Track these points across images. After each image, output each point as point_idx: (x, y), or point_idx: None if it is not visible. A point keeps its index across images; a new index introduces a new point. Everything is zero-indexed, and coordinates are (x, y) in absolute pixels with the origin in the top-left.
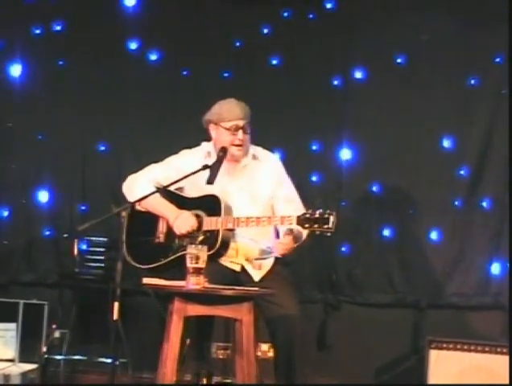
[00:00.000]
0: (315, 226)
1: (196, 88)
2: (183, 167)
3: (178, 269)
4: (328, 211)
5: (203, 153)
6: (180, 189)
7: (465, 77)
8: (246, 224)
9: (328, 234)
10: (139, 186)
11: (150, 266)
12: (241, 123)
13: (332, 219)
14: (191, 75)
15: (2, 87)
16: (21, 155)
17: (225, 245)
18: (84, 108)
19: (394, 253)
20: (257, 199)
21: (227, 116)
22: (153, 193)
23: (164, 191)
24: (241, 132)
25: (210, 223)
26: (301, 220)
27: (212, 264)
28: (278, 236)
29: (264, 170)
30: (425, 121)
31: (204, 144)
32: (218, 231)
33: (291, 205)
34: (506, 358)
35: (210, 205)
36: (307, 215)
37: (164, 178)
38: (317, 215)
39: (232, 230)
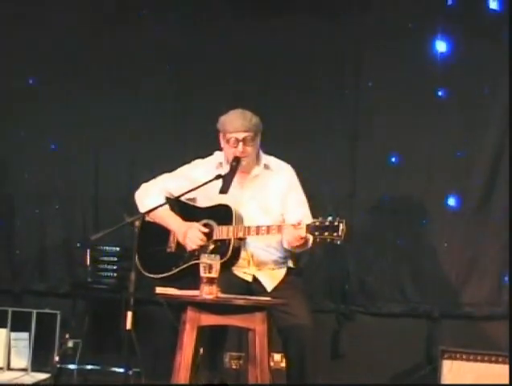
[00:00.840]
0: (325, 234)
1: (207, 97)
2: (195, 177)
3: (191, 278)
4: (337, 219)
5: (215, 163)
6: (193, 200)
7: (478, 86)
8: (257, 233)
9: (338, 242)
10: (150, 196)
11: (162, 276)
12: (240, 136)
13: (341, 227)
14: (201, 83)
15: (15, 96)
16: (33, 165)
17: (237, 254)
18: (96, 118)
19: (407, 263)
20: (268, 209)
21: (228, 128)
22: (162, 205)
23: (175, 202)
24: (241, 144)
25: (221, 232)
26: (311, 228)
27: (225, 274)
28: None
29: (276, 180)
30: (437, 131)
31: (217, 153)
32: (230, 240)
33: (301, 209)
34: None
35: (221, 214)
36: (317, 223)
37: (176, 188)
38: (327, 223)
39: (243, 239)
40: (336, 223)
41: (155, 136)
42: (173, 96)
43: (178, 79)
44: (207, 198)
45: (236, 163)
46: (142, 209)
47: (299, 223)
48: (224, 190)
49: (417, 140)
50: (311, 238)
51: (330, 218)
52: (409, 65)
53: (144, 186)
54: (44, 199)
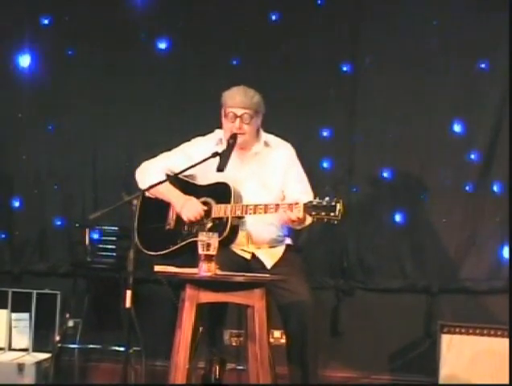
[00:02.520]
0: (322, 214)
1: (206, 75)
2: (195, 154)
3: (190, 256)
4: (335, 199)
5: (215, 140)
6: (192, 177)
7: (476, 61)
8: (254, 211)
9: (335, 222)
10: (150, 173)
11: (160, 253)
12: (239, 112)
13: (338, 207)
14: (201, 62)
15: (11, 78)
16: (32, 146)
17: (235, 232)
18: (94, 97)
19: (406, 238)
20: (268, 186)
21: (228, 102)
22: (162, 182)
23: (175, 179)
24: (238, 120)
25: (219, 210)
26: (308, 208)
27: (224, 252)
28: None
29: (276, 157)
30: (436, 106)
31: (217, 131)
32: (227, 218)
33: (300, 185)
34: None
35: (220, 192)
36: (314, 203)
37: (176, 166)
38: (324, 203)
39: (241, 217)
40: (333, 204)
41: (154, 115)
42: (172, 74)
43: (176, 55)
44: (208, 175)
45: (233, 140)
46: (143, 186)
47: (296, 204)
48: (221, 167)
49: (415, 115)
50: (308, 217)
51: (327, 198)
52: (407, 38)
53: (145, 164)
54: (43, 179)
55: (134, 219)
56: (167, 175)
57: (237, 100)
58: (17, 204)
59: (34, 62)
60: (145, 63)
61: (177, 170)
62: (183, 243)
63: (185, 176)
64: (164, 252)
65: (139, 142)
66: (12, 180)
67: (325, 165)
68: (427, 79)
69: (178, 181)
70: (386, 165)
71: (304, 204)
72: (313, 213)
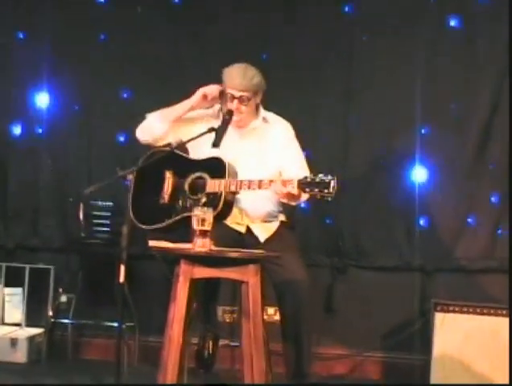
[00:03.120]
0: (316, 190)
1: (204, 44)
2: (194, 117)
3: (184, 231)
4: (329, 176)
5: (216, 109)
6: (185, 151)
7: (473, 40)
8: (248, 187)
9: (329, 199)
10: (148, 121)
11: (153, 227)
12: (237, 94)
13: (332, 184)
14: (200, 31)
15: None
16: (25, 120)
17: (228, 207)
18: (86, 69)
19: (400, 217)
20: (265, 163)
21: (227, 82)
22: (166, 151)
23: (168, 153)
24: (236, 102)
25: (213, 185)
26: (302, 184)
27: (218, 227)
28: None
29: (274, 133)
30: (434, 83)
31: (217, 106)
32: (221, 193)
33: (297, 163)
34: None
35: (214, 168)
36: (309, 179)
37: (174, 111)
38: (318, 180)
39: (235, 193)
40: (327, 180)
41: (150, 87)
42: (170, 45)
43: (173, 25)
44: (200, 150)
45: (228, 116)
46: (148, 133)
47: (290, 180)
48: (216, 143)
49: (411, 94)
50: (304, 193)
51: (321, 175)
52: (404, 20)
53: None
54: (36, 153)
55: (128, 194)
56: (170, 147)
57: (236, 82)
58: (10, 179)
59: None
60: (139, 34)
61: (171, 116)
62: (178, 217)
63: (180, 151)
64: (158, 226)
65: (134, 116)
66: (5, 155)
67: (320, 145)
68: (423, 54)
69: (170, 154)
70: (382, 142)
71: (298, 180)
72: (307, 189)
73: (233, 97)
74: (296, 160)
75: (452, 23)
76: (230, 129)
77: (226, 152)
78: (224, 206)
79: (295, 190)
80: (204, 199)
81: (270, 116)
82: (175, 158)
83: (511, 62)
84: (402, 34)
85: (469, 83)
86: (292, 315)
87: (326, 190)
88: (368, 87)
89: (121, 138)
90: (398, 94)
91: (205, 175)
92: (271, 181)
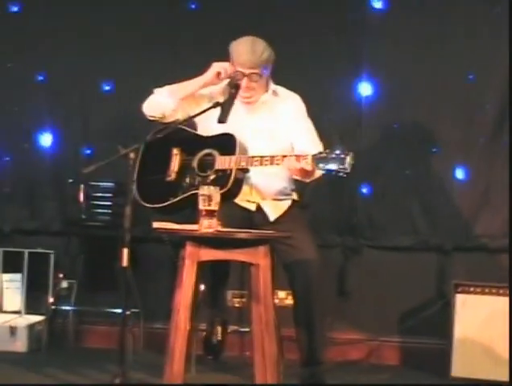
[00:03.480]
0: (331, 166)
1: (204, 22)
2: (204, 94)
3: (191, 212)
4: (345, 152)
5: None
6: (193, 126)
7: (490, 8)
8: (260, 163)
9: (344, 175)
10: (155, 97)
11: (159, 205)
12: (246, 71)
13: (348, 159)
14: (199, 8)
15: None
16: (21, 97)
17: (238, 186)
18: (85, 47)
19: (417, 194)
20: (275, 137)
21: (235, 58)
22: (171, 128)
23: (176, 128)
24: (245, 79)
25: (223, 162)
26: (316, 159)
27: (226, 206)
28: None
29: (284, 106)
30: (449, 55)
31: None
32: (231, 170)
33: (309, 137)
34: None
35: (225, 144)
36: (323, 155)
37: (181, 89)
38: (333, 155)
39: (246, 170)
40: (342, 156)
41: (149, 64)
42: (167, 22)
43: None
44: (209, 126)
45: (234, 90)
46: (158, 109)
47: (304, 155)
48: (222, 119)
49: (427, 64)
50: (318, 172)
51: (337, 150)
52: None
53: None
54: (33, 133)
55: (131, 173)
56: (177, 124)
57: (245, 60)
58: (6, 159)
59: (24, 8)
60: (139, 9)
61: (182, 93)
62: (184, 195)
63: (186, 126)
64: (164, 204)
65: (134, 93)
66: (1, 135)
67: (332, 117)
68: (439, 27)
69: (179, 130)
70: (396, 116)
71: (312, 156)
72: (321, 165)
73: (243, 75)
74: (308, 134)
75: None
76: (239, 104)
77: (235, 127)
78: (233, 184)
79: (308, 166)
80: (212, 176)
81: (281, 89)
82: (183, 135)
83: (511, 61)
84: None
85: (484, 50)
86: (303, 297)
87: (341, 166)
88: (380, 55)
89: (121, 115)
90: (414, 62)
91: (215, 152)
92: (284, 156)
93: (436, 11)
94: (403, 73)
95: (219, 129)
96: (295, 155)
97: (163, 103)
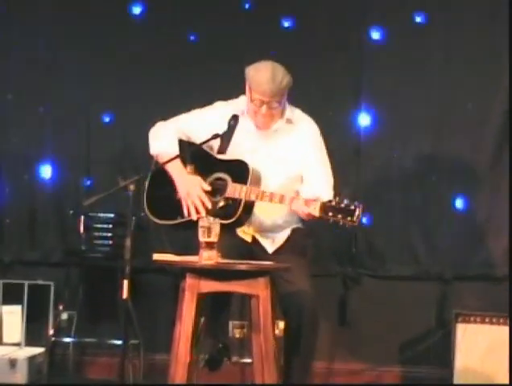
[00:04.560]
0: (339, 216)
1: (205, 52)
2: (210, 120)
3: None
4: (355, 203)
5: (237, 110)
6: (210, 147)
7: (488, 36)
8: (270, 199)
9: (349, 226)
10: (161, 136)
11: (168, 223)
12: (266, 99)
13: (357, 212)
14: (198, 40)
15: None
16: (22, 129)
17: (245, 217)
18: (85, 78)
19: (417, 223)
20: (285, 167)
21: (255, 87)
22: (173, 159)
23: (193, 147)
24: (265, 107)
25: (234, 190)
26: (325, 207)
27: (226, 237)
28: None
29: (296, 134)
30: (447, 84)
31: (243, 98)
32: (240, 201)
33: (322, 169)
34: None
35: (238, 171)
36: (333, 203)
37: (192, 130)
38: (343, 206)
39: (253, 202)
40: (352, 208)
41: (149, 94)
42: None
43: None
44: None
45: (234, 122)
46: (156, 148)
47: (314, 200)
48: (221, 150)
49: (426, 92)
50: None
51: (346, 201)
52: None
53: (158, 125)
54: (34, 164)
55: (132, 204)
56: (180, 142)
57: (263, 89)
58: (6, 190)
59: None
60: (138, 41)
61: (191, 135)
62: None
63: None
64: (170, 222)
65: (135, 124)
66: (1, 165)
67: (332, 145)
68: (437, 55)
69: (196, 149)
70: (396, 145)
71: (322, 203)
72: (330, 214)
73: (263, 103)
74: (321, 168)
75: None
76: (250, 129)
77: (244, 154)
78: (240, 215)
79: (316, 212)
80: (221, 203)
81: (296, 115)
82: (198, 153)
83: (511, 61)
84: (415, 30)
85: (485, 76)
86: (295, 328)
87: (349, 218)
88: (379, 84)
89: (122, 146)
90: (413, 91)
91: (227, 178)
92: (293, 198)
93: (435, 41)
94: (402, 103)
95: (235, 151)
96: (305, 200)
97: (162, 145)
